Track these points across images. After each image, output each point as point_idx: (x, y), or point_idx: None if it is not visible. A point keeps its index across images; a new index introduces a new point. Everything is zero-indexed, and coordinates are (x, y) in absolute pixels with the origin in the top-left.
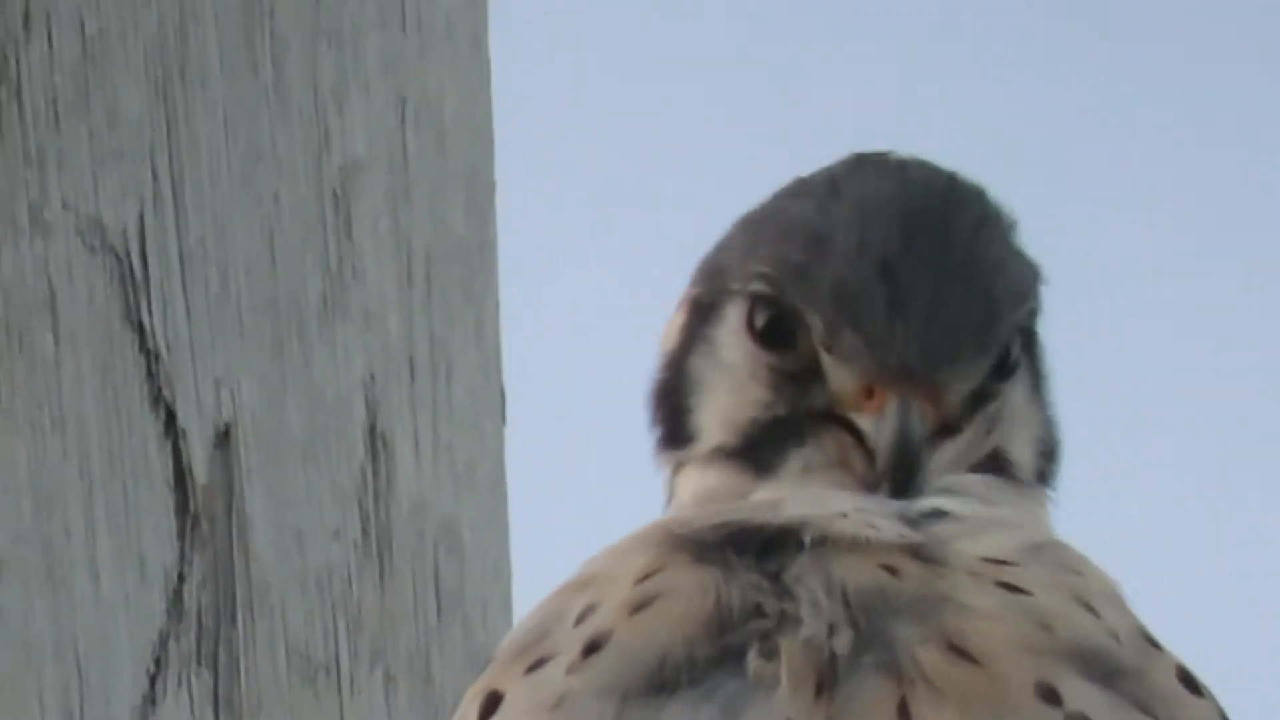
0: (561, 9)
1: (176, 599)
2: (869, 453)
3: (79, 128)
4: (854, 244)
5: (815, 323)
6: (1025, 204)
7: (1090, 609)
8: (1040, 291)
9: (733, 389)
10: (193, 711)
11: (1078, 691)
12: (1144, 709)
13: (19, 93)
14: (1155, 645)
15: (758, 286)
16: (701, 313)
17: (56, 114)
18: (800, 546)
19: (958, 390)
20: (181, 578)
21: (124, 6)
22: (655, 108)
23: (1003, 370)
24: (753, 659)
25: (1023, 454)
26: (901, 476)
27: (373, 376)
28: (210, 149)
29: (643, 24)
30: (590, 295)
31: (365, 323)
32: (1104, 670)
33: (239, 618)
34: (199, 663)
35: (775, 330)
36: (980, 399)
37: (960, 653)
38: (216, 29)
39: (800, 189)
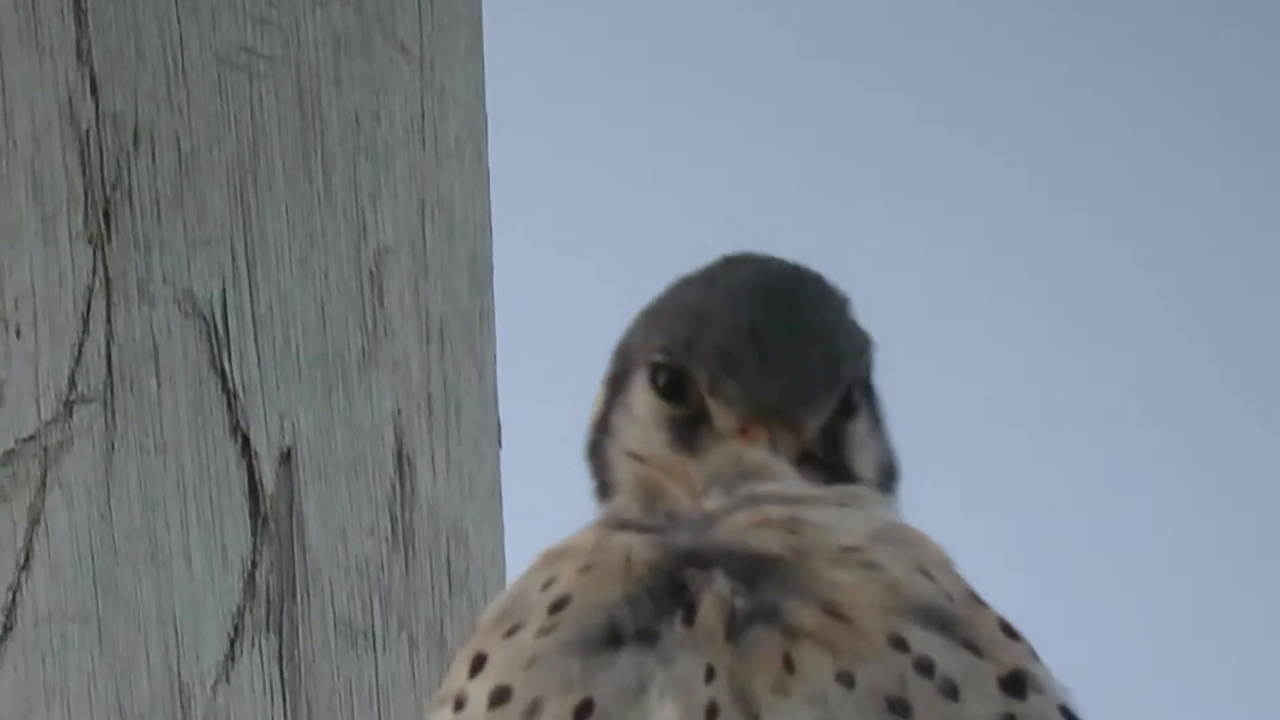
0: (548, 131)
1: (250, 580)
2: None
3: (176, 220)
4: (729, 318)
5: (702, 378)
6: None
7: (928, 575)
8: (871, 351)
9: (641, 437)
10: (263, 666)
11: (921, 639)
12: (972, 649)
13: (130, 194)
14: (981, 603)
15: (657, 357)
16: (616, 385)
17: (159, 210)
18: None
19: (812, 425)
20: (254, 564)
21: (210, 129)
22: (624, 200)
23: (846, 411)
24: (678, 619)
25: (866, 471)
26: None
27: (400, 411)
28: (276, 238)
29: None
30: (568, 350)
31: (394, 370)
32: (940, 622)
33: (298, 595)
34: (267, 629)
35: (671, 387)
36: (830, 434)
37: (832, 612)
38: (281, 147)
39: (686, 283)
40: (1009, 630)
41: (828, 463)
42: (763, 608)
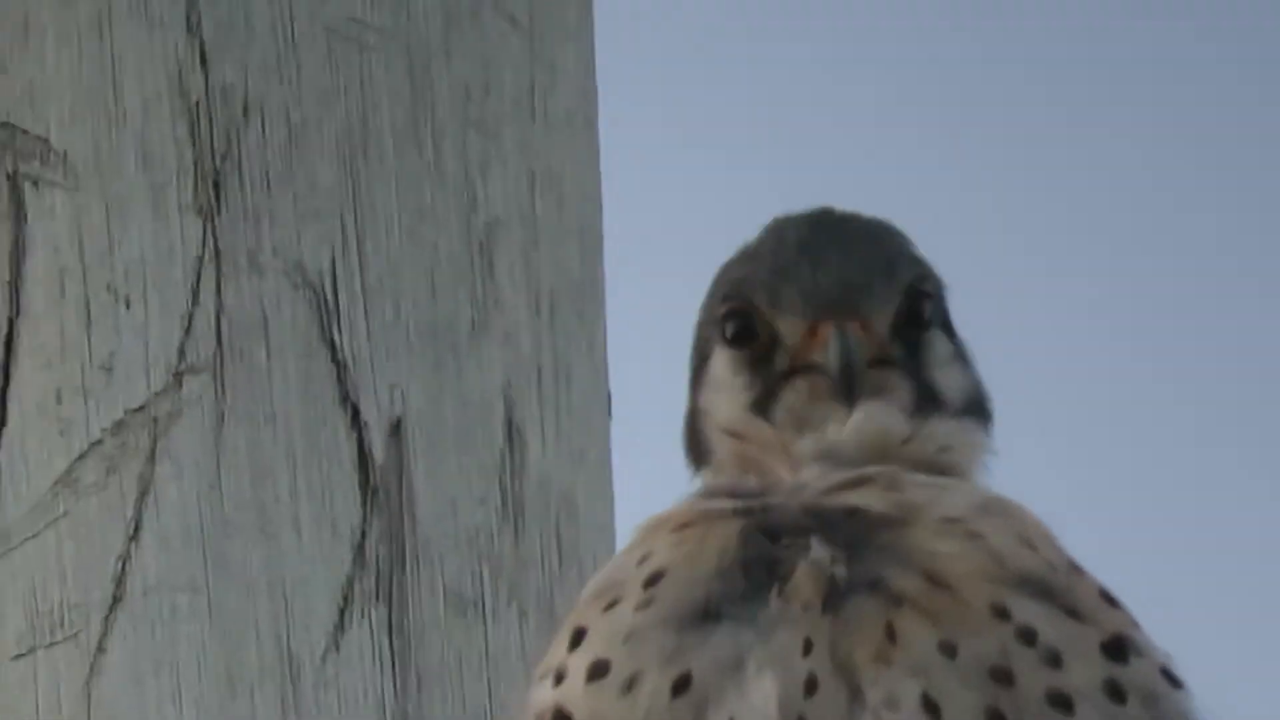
0: (658, 102)
1: (360, 551)
2: (826, 377)
3: (286, 193)
4: (776, 246)
5: (762, 299)
6: None
7: (1030, 546)
8: (936, 278)
9: (727, 401)
10: (372, 636)
11: (1023, 608)
12: (1074, 616)
13: (239, 167)
14: (1081, 571)
15: (723, 307)
16: (698, 371)
17: (269, 183)
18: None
19: (880, 317)
20: (364, 534)
21: (320, 101)
22: (731, 170)
23: (918, 320)
24: (774, 593)
25: (951, 392)
26: (850, 383)
27: (510, 382)
28: (385, 209)
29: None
30: (678, 320)
31: (504, 342)
32: (1042, 590)
33: (407, 565)
34: (377, 599)
35: (741, 331)
36: (905, 339)
37: (936, 581)
38: (390, 119)
39: (735, 254)
40: (1109, 598)
41: (908, 370)
42: (865, 576)
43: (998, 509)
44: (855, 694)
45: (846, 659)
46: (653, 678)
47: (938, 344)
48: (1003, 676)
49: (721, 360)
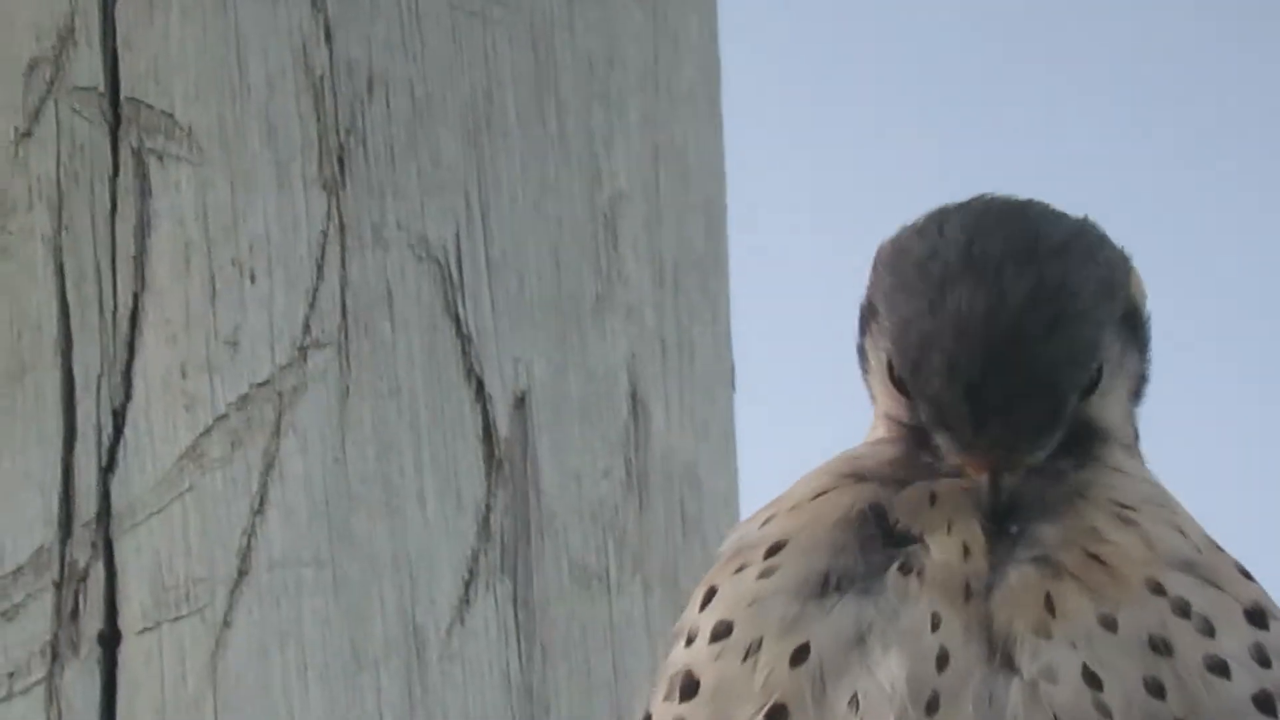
0: (782, 75)
1: (485, 524)
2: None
3: (410, 166)
4: (947, 366)
5: (925, 412)
6: None
7: (1181, 532)
8: (1121, 289)
9: (886, 394)
10: (497, 609)
11: (1176, 581)
12: (1217, 588)
13: (364, 140)
14: (1220, 549)
15: (889, 364)
16: (867, 319)
17: (393, 156)
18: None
19: (1035, 459)
20: (489, 508)
21: (444, 75)
22: (855, 135)
23: (1088, 391)
24: (894, 571)
25: (1115, 421)
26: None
27: (634, 355)
28: (509, 183)
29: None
30: (802, 294)
31: (628, 315)
32: (1190, 567)
33: (532, 538)
34: (502, 572)
35: (902, 387)
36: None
37: (1094, 558)
38: (514, 93)
39: (920, 263)
40: (1244, 572)
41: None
42: (1025, 545)
43: (1154, 499)
44: (997, 666)
45: (1005, 629)
46: (772, 645)
47: (1101, 390)
48: (1163, 647)
49: (882, 379)
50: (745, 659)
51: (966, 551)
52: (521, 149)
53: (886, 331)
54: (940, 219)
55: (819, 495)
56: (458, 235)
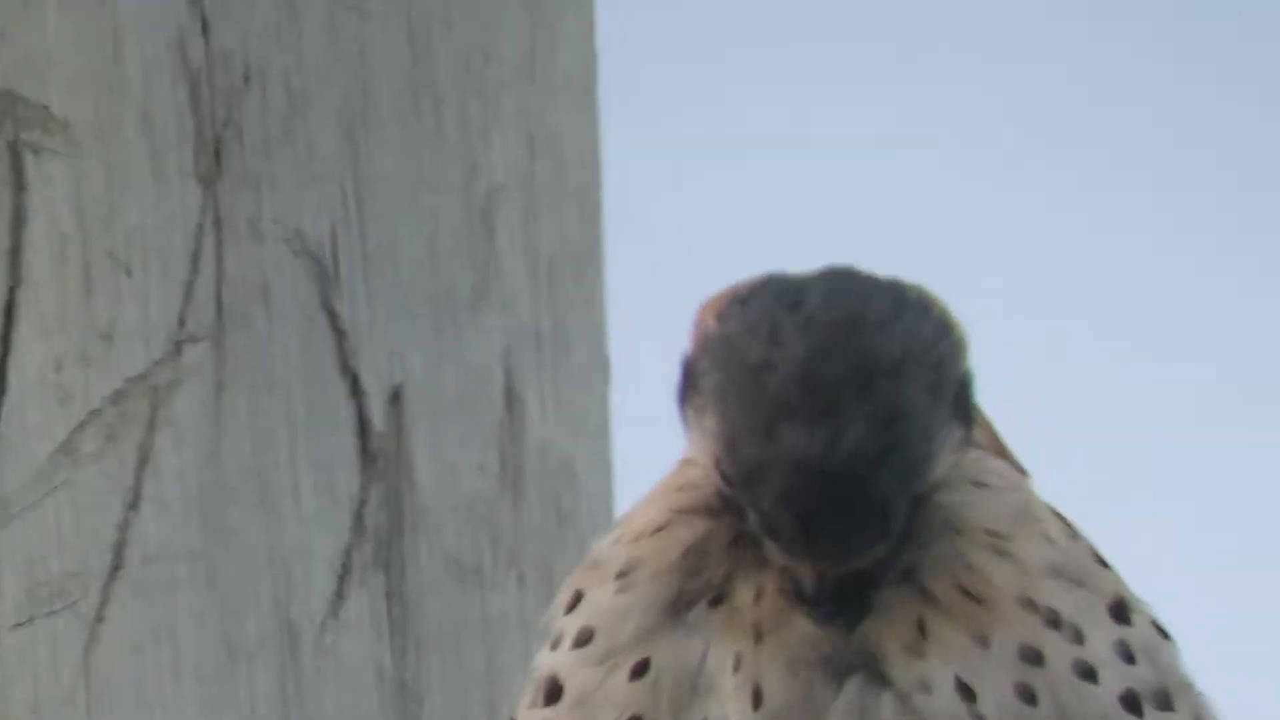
0: (659, 58)
1: (359, 518)
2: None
3: (286, 159)
4: (780, 494)
5: (751, 518)
6: None
7: (1048, 539)
8: (957, 373)
9: (709, 470)
10: (371, 603)
11: (1046, 592)
12: (1080, 585)
13: (240, 133)
14: (1076, 536)
15: (714, 469)
16: (687, 389)
17: (269, 149)
18: None
19: (867, 562)
20: (363, 502)
21: (321, 68)
22: (736, 125)
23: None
24: (704, 605)
25: (945, 470)
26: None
27: (509, 349)
28: (385, 177)
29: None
30: (678, 287)
31: (503, 309)
32: (1058, 572)
33: (406, 532)
34: (376, 566)
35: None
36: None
37: (967, 593)
38: (391, 86)
39: (753, 371)
40: (1101, 560)
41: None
42: (900, 568)
43: (1022, 508)
44: (863, 681)
45: (871, 647)
46: (625, 656)
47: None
48: (1034, 657)
49: (706, 456)
50: (603, 668)
51: (759, 595)
52: (398, 142)
53: (715, 430)
54: (773, 315)
55: (658, 530)
56: (333, 229)
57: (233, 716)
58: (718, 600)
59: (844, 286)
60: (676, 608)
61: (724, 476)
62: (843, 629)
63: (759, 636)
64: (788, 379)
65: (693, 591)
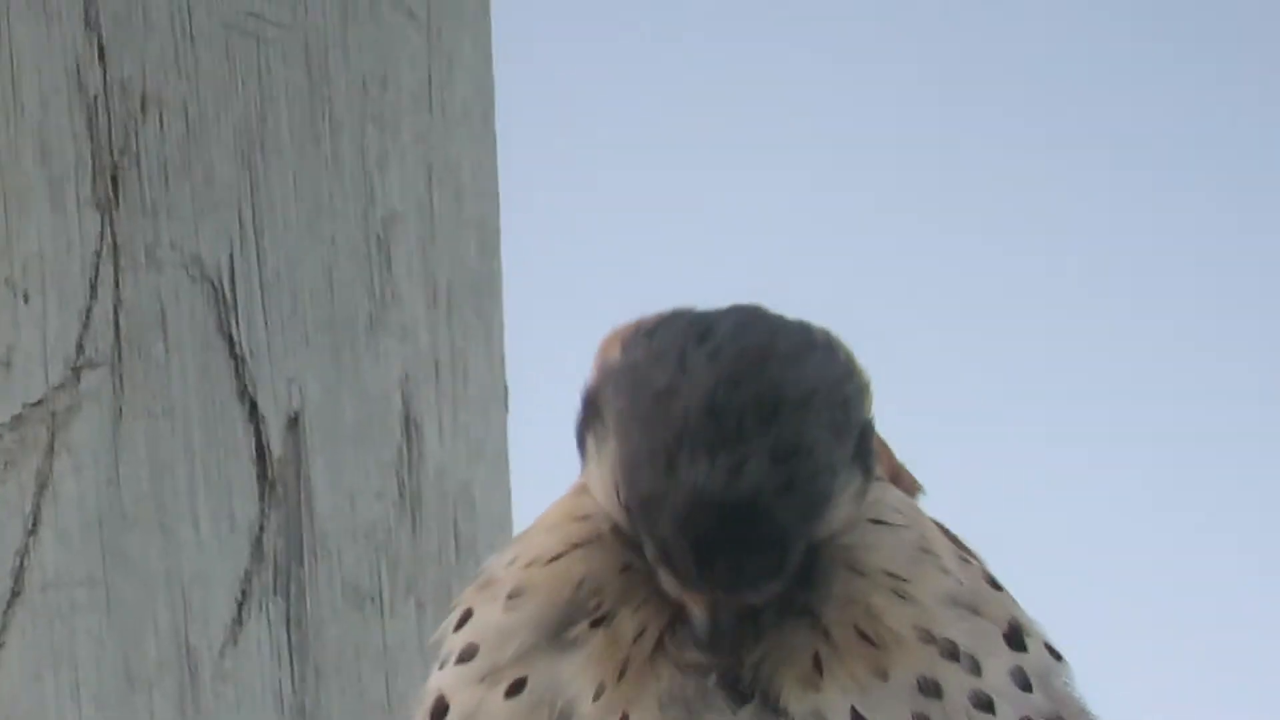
0: (556, 96)
1: (258, 544)
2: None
3: (184, 187)
4: (678, 523)
5: (648, 547)
6: None
7: (945, 571)
8: (858, 422)
9: (607, 501)
10: (270, 630)
11: (944, 623)
12: (976, 612)
13: (138, 160)
14: (968, 559)
15: (614, 486)
16: (588, 423)
17: (167, 177)
18: None
19: (758, 600)
20: (262, 528)
21: (218, 95)
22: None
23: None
24: (585, 627)
25: (847, 516)
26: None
27: (407, 376)
28: (283, 203)
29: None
30: (576, 314)
31: (402, 336)
32: (954, 602)
33: (305, 558)
34: (275, 593)
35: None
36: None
37: (865, 638)
38: (288, 113)
39: (658, 397)
40: (993, 582)
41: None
42: (797, 605)
43: (920, 544)
44: (755, 711)
45: (765, 678)
46: (507, 674)
47: (838, 514)
48: (932, 689)
49: (604, 485)
50: (483, 685)
51: (641, 633)
52: (295, 169)
53: (616, 457)
54: (681, 344)
55: (553, 560)
56: (231, 255)
57: None
58: (599, 624)
59: (753, 321)
60: (560, 630)
61: (622, 504)
62: (727, 664)
63: (623, 673)
64: (692, 406)
65: (579, 616)
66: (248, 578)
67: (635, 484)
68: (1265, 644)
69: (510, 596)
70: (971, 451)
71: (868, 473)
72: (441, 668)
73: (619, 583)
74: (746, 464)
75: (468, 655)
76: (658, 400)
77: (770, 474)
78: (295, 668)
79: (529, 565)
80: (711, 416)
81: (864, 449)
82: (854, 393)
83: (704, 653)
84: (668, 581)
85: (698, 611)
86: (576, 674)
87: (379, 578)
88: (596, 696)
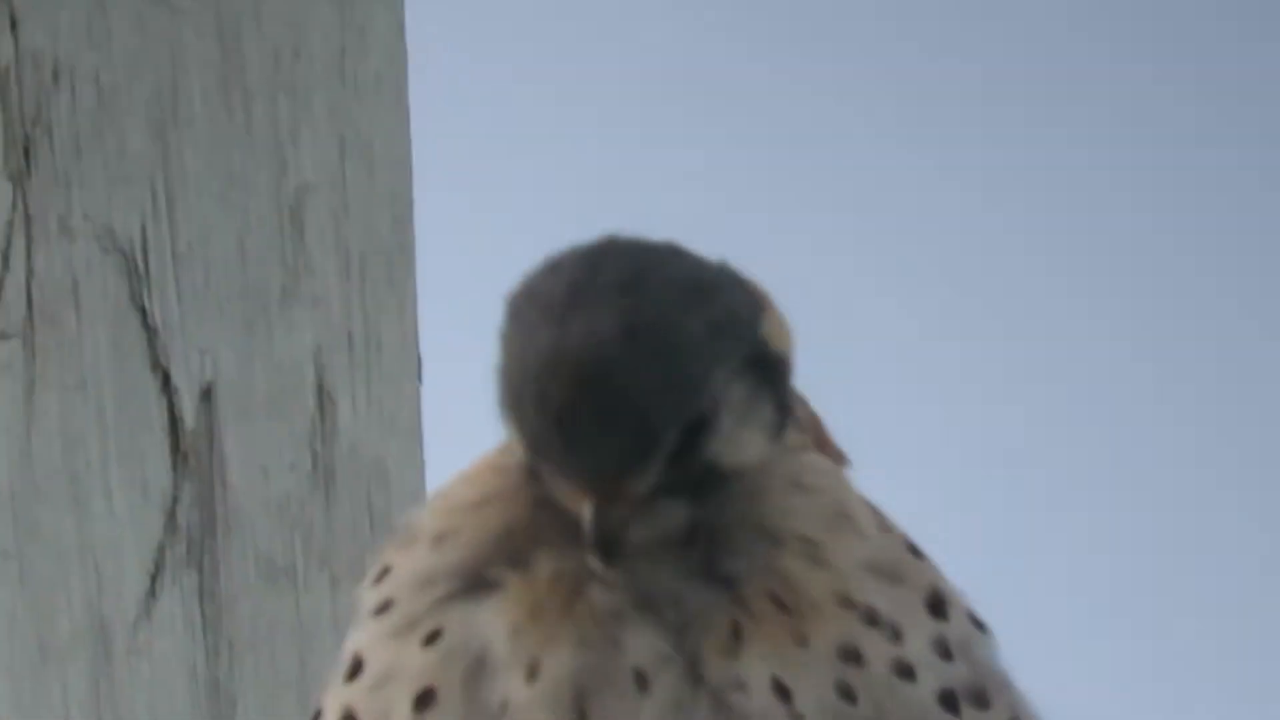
0: (470, 65)
1: (171, 517)
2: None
3: (96, 157)
4: (538, 397)
5: (525, 448)
6: None
7: (863, 537)
8: (745, 332)
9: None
10: (183, 603)
11: (864, 590)
12: (897, 580)
13: (50, 131)
14: (888, 528)
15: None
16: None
17: (79, 147)
18: None
19: (641, 484)
20: (175, 500)
21: (130, 65)
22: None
23: (694, 436)
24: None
25: (755, 451)
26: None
27: (320, 348)
28: (196, 175)
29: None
30: (489, 286)
31: (314, 307)
32: (874, 569)
33: (218, 532)
34: (188, 565)
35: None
36: (679, 460)
37: (783, 605)
38: (200, 83)
39: (530, 294)
40: (915, 550)
41: (688, 484)
42: (717, 574)
43: (837, 508)
44: (680, 677)
45: (688, 647)
46: (419, 626)
47: (724, 425)
48: (852, 655)
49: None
50: (399, 639)
51: (556, 578)
52: (207, 140)
53: (500, 370)
54: (561, 256)
55: (475, 507)
56: (144, 227)
57: (45, 716)
58: (515, 565)
59: (639, 239)
60: (476, 578)
61: (502, 409)
62: (621, 575)
63: (538, 613)
64: (559, 289)
65: (497, 563)
66: (161, 551)
67: (506, 378)
68: (1264, 643)
69: (434, 540)
70: (959, 446)
71: (783, 409)
72: (358, 624)
73: (535, 528)
74: (599, 326)
75: (383, 608)
76: (530, 298)
77: (629, 340)
78: (209, 641)
79: (451, 511)
80: (575, 295)
81: (774, 380)
82: (743, 304)
83: (595, 560)
84: (549, 479)
85: (583, 511)
86: (491, 618)
87: (293, 552)
88: (510, 639)
